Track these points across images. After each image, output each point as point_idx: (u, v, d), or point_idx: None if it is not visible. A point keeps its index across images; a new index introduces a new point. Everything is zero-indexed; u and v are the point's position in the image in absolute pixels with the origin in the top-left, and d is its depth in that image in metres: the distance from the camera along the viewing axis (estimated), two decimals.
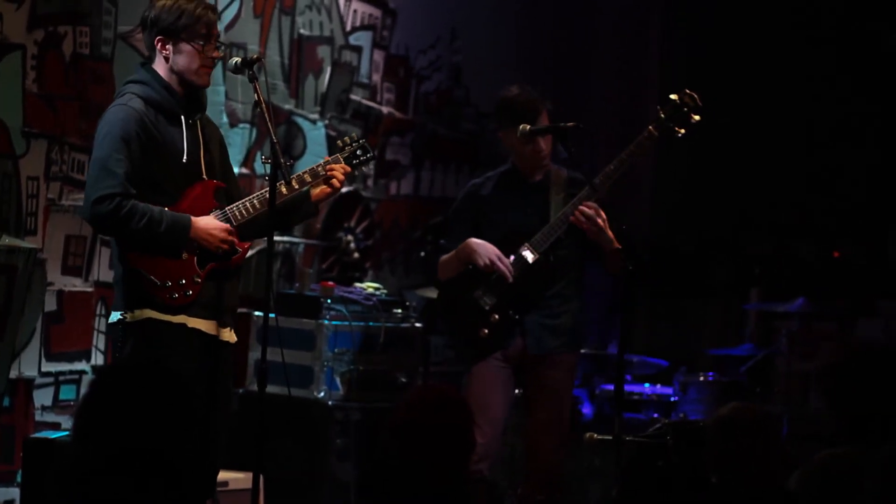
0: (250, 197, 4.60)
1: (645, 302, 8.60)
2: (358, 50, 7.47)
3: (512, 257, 5.41)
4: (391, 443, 3.66)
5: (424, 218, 7.82)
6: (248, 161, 6.67)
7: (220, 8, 6.40)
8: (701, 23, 9.02)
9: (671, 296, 8.86)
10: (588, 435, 5.45)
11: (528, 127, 5.36)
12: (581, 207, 5.33)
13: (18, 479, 5.30)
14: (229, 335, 4.60)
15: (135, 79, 4.55)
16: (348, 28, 7.40)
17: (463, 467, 3.69)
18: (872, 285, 8.29)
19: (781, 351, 7.44)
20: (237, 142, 6.54)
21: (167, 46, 4.51)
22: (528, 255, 5.40)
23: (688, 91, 5.38)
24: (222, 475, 5.01)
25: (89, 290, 5.80)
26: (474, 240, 5.44)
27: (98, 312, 5.83)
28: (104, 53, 5.81)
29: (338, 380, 6.13)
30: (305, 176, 4.71)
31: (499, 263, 5.37)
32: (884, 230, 8.62)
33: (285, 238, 6.87)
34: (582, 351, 7.14)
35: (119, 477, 2.96)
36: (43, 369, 5.61)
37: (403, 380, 6.28)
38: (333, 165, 4.75)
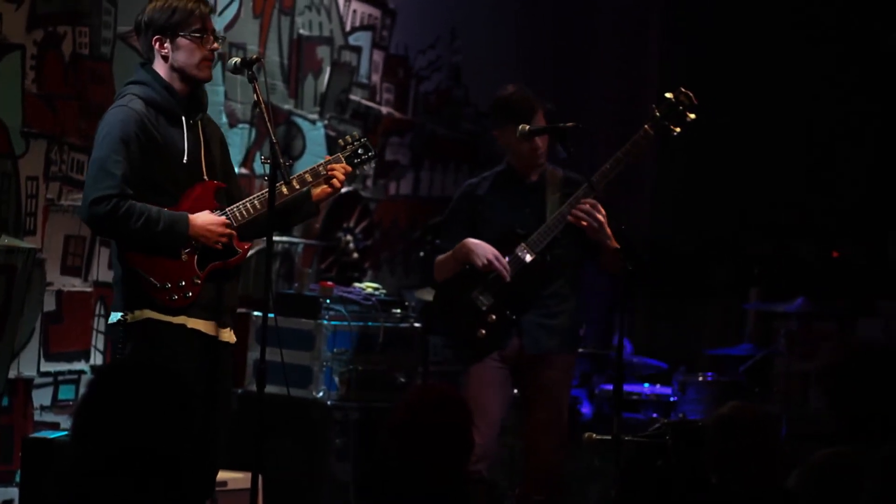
0: (251, 198, 4.59)
1: (645, 302, 8.60)
2: (357, 50, 7.47)
3: (508, 257, 5.40)
4: (390, 443, 3.66)
5: (423, 218, 7.82)
6: (247, 161, 6.67)
7: (219, 8, 6.40)
8: (701, 23, 9.02)
9: (671, 296, 8.86)
10: (587, 435, 5.44)
11: (528, 127, 5.35)
12: (579, 205, 5.33)
13: (17, 479, 5.30)
14: (229, 335, 4.60)
15: (135, 79, 4.55)
16: (348, 28, 7.40)
17: (462, 467, 3.69)
18: (872, 285, 8.29)
19: (781, 351, 7.44)
20: (236, 142, 6.54)
21: (165, 45, 4.51)
22: (525, 255, 5.40)
23: (683, 89, 5.38)
24: (221, 475, 5.01)
25: (88, 290, 5.80)
26: (471, 240, 5.44)
27: (97, 312, 5.83)
28: (103, 53, 5.80)
29: (337, 380, 6.13)
30: (306, 176, 4.70)
31: (496, 263, 5.37)
32: (883, 230, 8.62)
33: (284, 238, 6.86)
34: (581, 350, 7.17)
35: (118, 477, 2.96)
36: (42, 369, 5.61)
37: (402, 380, 6.28)
38: (334, 165, 4.75)
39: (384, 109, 7.68)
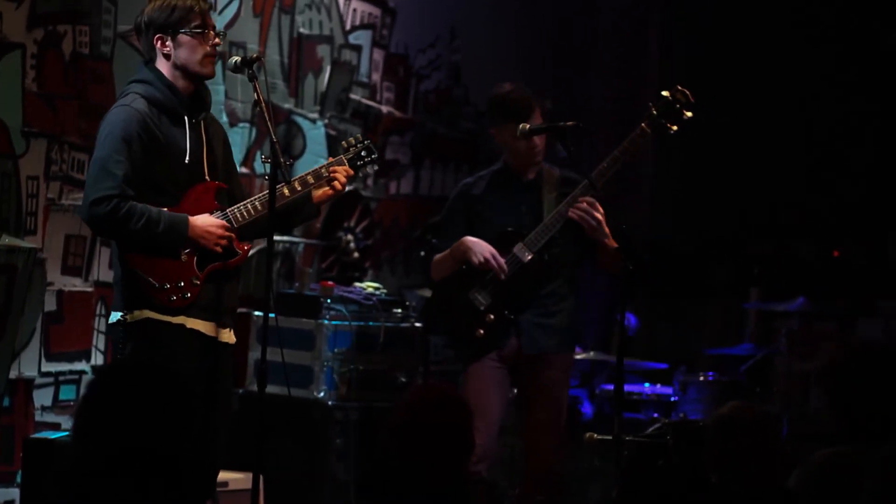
0: (252, 199, 4.59)
1: (645, 302, 8.59)
2: (357, 49, 7.47)
3: (506, 257, 5.39)
4: (391, 443, 3.66)
5: (424, 217, 7.81)
6: (247, 160, 6.67)
7: (219, 7, 6.40)
8: (700, 22, 9.02)
9: (671, 296, 8.86)
10: (588, 435, 5.44)
11: (528, 126, 5.34)
12: (577, 203, 5.32)
13: (18, 479, 5.29)
14: (229, 336, 4.60)
15: (138, 78, 4.55)
16: (348, 27, 7.40)
17: (462, 467, 3.69)
18: (872, 285, 8.29)
19: (781, 351, 7.44)
20: (237, 141, 6.54)
21: (167, 43, 4.50)
22: (523, 255, 5.39)
23: (679, 87, 5.37)
24: (222, 475, 5.00)
25: (89, 289, 5.80)
26: (469, 238, 5.43)
27: (98, 312, 5.83)
28: (104, 53, 5.80)
29: (337, 379, 6.12)
30: (308, 177, 4.70)
31: (493, 262, 5.35)
32: (884, 230, 8.62)
33: (285, 238, 6.86)
34: (581, 356, 7.17)
35: (119, 477, 2.96)
36: (43, 369, 5.61)
37: (403, 379, 6.28)
38: (336, 167, 4.74)
39: (384, 108, 7.68)
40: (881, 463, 3.46)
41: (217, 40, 4.55)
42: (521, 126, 5.33)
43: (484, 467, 5.34)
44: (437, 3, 8.09)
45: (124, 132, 4.39)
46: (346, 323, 6.19)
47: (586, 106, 8.70)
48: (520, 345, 5.44)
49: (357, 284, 6.58)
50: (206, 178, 4.56)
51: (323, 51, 7.21)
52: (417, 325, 6.38)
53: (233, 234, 4.52)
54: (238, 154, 6.51)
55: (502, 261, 5.37)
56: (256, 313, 6.19)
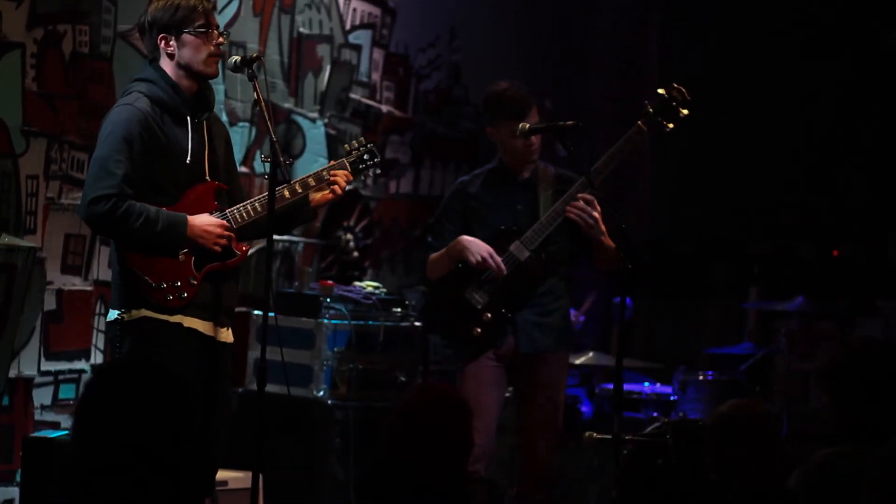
0: (251, 200, 4.59)
1: (645, 302, 8.60)
2: (357, 48, 7.47)
3: (502, 255, 5.38)
4: (390, 442, 3.66)
5: (424, 217, 7.82)
6: (247, 160, 6.67)
7: (220, 6, 6.40)
8: (700, 22, 9.02)
9: (671, 295, 8.86)
10: (588, 434, 5.45)
11: (528, 125, 5.35)
12: (574, 201, 5.31)
13: (18, 478, 5.29)
14: (227, 335, 4.60)
15: (142, 77, 4.54)
16: (348, 27, 7.40)
17: (462, 467, 3.69)
18: (872, 285, 8.29)
19: (781, 350, 7.43)
20: (237, 140, 6.53)
21: (171, 43, 4.50)
22: (520, 253, 5.39)
23: (675, 85, 5.38)
24: (222, 474, 5.01)
25: (89, 288, 5.80)
26: (466, 237, 5.42)
27: (97, 311, 5.82)
28: (104, 52, 5.80)
29: (337, 379, 6.12)
30: (309, 179, 4.70)
31: (490, 261, 5.35)
32: (883, 230, 8.62)
33: (285, 237, 6.86)
34: (581, 361, 7.17)
35: (118, 476, 2.96)
36: (42, 368, 5.61)
37: (403, 379, 6.28)
38: (336, 171, 4.74)
39: (384, 108, 7.68)
40: (881, 463, 3.46)
41: (221, 39, 4.54)
42: (521, 125, 5.33)
43: (482, 467, 5.34)
44: (437, 2, 8.09)
45: (126, 132, 4.39)
46: (346, 322, 6.19)
47: (586, 106, 8.70)
48: (517, 343, 5.43)
49: (357, 284, 6.57)
50: (207, 178, 4.56)
51: (323, 50, 7.21)
52: (417, 324, 6.38)
53: (232, 234, 4.52)
54: (238, 153, 6.51)
55: (500, 260, 5.36)
56: (256, 312, 6.19)
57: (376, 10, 7.63)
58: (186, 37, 4.49)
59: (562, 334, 5.51)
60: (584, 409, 7.12)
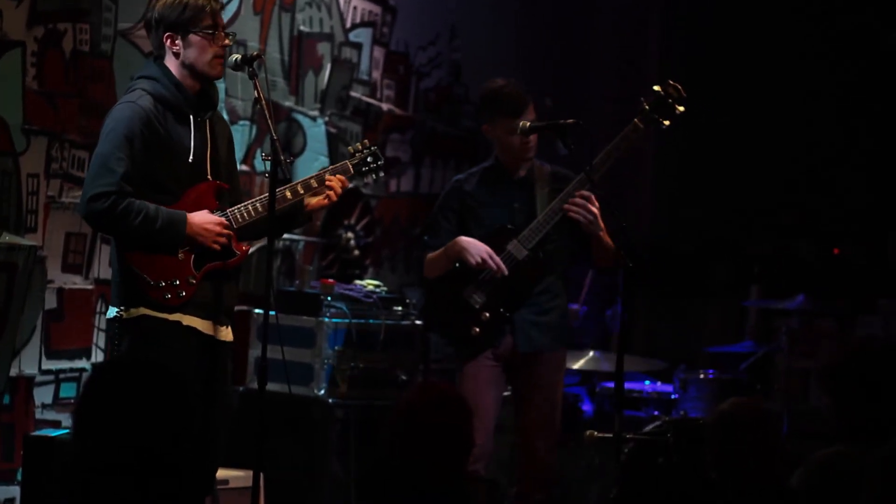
0: (252, 200, 4.59)
1: (645, 301, 8.60)
2: (358, 47, 7.47)
3: (500, 254, 5.37)
4: (391, 441, 3.66)
5: (424, 215, 7.80)
6: (248, 158, 6.67)
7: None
8: (700, 22, 9.02)
9: (671, 295, 8.86)
10: (589, 433, 5.46)
11: (529, 123, 5.34)
12: (573, 198, 5.30)
13: (19, 477, 5.29)
14: (227, 333, 4.60)
15: (145, 74, 4.54)
16: (348, 25, 7.40)
17: (463, 466, 3.69)
18: (872, 283, 8.29)
19: (781, 348, 7.43)
20: (237, 139, 6.50)
21: (176, 42, 4.49)
22: (518, 252, 5.38)
23: (671, 82, 5.37)
24: (223, 473, 5.01)
25: (89, 287, 5.79)
26: (464, 238, 5.40)
27: (98, 310, 5.82)
28: (104, 51, 5.80)
29: (338, 377, 6.12)
30: (311, 181, 4.70)
31: (490, 261, 5.34)
32: (884, 229, 8.62)
33: (285, 235, 6.86)
34: (580, 365, 7.16)
35: (118, 474, 2.96)
36: (43, 367, 5.61)
37: (403, 377, 6.28)
38: (332, 178, 4.73)
39: (385, 106, 7.68)
40: (881, 462, 3.46)
41: (227, 42, 4.53)
42: (521, 123, 5.33)
43: (481, 466, 5.33)
44: (438, 1, 8.09)
45: (127, 129, 4.39)
46: (347, 321, 6.19)
47: (586, 106, 8.70)
48: (514, 343, 5.43)
49: (357, 282, 6.58)
50: (209, 177, 4.56)
51: (323, 48, 7.21)
52: (418, 322, 6.38)
53: (231, 233, 4.52)
54: (239, 152, 6.52)
55: (499, 260, 5.35)
56: (257, 311, 6.19)
57: (377, 9, 7.62)
58: (193, 37, 4.49)
59: (559, 333, 5.50)
60: (585, 407, 7.12)
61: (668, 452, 5.62)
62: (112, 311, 4.48)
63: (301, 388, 6.02)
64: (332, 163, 6.79)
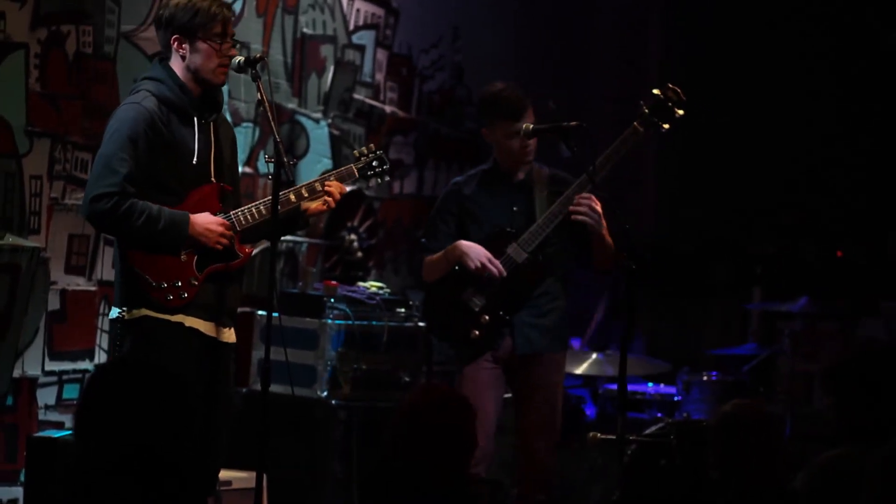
0: (256, 203, 4.59)
1: (647, 302, 8.60)
2: (361, 49, 7.47)
3: (500, 258, 5.37)
4: (394, 442, 3.66)
5: (427, 217, 7.82)
6: (251, 160, 6.67)
7: None
8: (701, 22, 9.02)
9: (672, 296, 8.86)
10: (591, 434, 5.45)
11: (531, 126, 5.34)
12: (578, 199, 5.31)
13: (22, 478, 5.30)
14: (229, 335, 4.60)
15: (150, 75, 4.54)
16: (351, 27, 7.40)
17: (465, 467, 3.69)
18: (875, 285, 8.29)
19: (784, 351, 7.44)
20: (240, 141, 6.51)
21: (183, 45, 4.49)
22: (518, 255, 5.37)
23: (671, 86, 5.37)
24: (226, 474, 5.01)
25: (92, 289, 5.80)
26: (464, 242, 5.39)
27: (101, 311, 5.83)
28: (107, 52, 5.80)
29: (341, 379, 6.13)
30: (316, 184, 4.70)
31: (490, 266, 5.33)
32: (884, 229, 8.63)
33: (288, 237, 6.87)
34: (582, 370, 7.16)
35: (120, 475, 2.97)
36: (46, 368, 5.61)
37: (406, 379, 6.28)
38: (331, 183, 4.73)
39: (388, 108, 7.68)
40: (881, 463, 3.47)
41: (234, 52, 4.53)
42: (525, 126, 5.33)
43: (482, 469, 5.33)
44: (440, 3, 8.09)
45: (131, 130, 4.39)
46: (350, 322, 6.19)
47: (586, 106, 8.70)
48: (514, 345, 5.43)
49: (360, 284, 6.58)
50: (213, 179, 4.56)
51: (326, 51, 7.21)
52: (421, 324, 6.38)
53: (233, 234, 4.53)
54: (242, 154, 6.52)
55: (498, 264, 5.34)
56: (260, 313, 6.19)
57: (380, 11, 7.63)
58: (200, 44, 4.48)
59: (558, 335, 5.49)
60: (587, 409, 7.13)
61: (670, 454, 5.63)
62: (114, 312, 4.48)
63: (304, 390, 6.03)
64: (335, 165, 6.81)
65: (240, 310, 4.74)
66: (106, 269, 5.78)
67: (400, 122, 7.79)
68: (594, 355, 7.33)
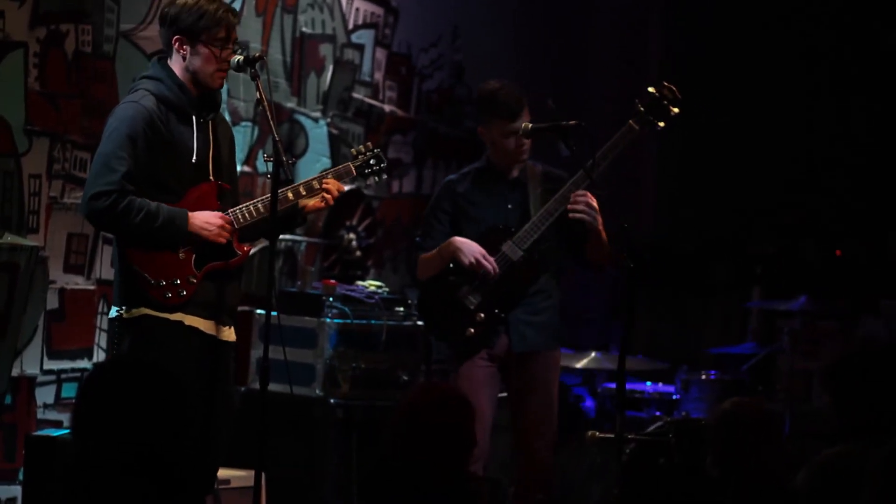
0: (254, 201, 4.59)
1: (646, 301, 8.60)
2: (360, 48, 7.47)
3: (495, 255, 5.37)
4: (393, 441, 3.66)
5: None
6: (250, 159, 6.67)
7: None
8: (701, 23, 9.02)
9: (672, 295, 8.86)
10: (590, 433, 5.45)
11: (531, 125, 5.34)
12: (574, 196, 5.30)
13: (20, 477, 5.30)
14: (229, 333, 4.60)
15: (149, 74, 4.55)
16: (350, 26, 7.40)
17: (465, 466, 3.70)
18: (875, 284, 8.29)
19: (784, 349, 7.44)
20: (239, 140, 6.52)
21: (185, 47, 4.49)
22: (513, 253, 5.37)
23: (666, 84, 5.37)
24: (224, 473, 5.01)
25: (91, 288, 5.80)
26: (458, 238, 5.39)
27: (100, 310, 5.83)
28: (106, 51, 5.81)
29: (339, 378, 6.13)
30: (314, 182, 4.70)
31: (484, 262, 5.33)
32: (884, 229, 8.63)
33: (287, 236, 6.87)
34: (582, 365, 7.16)
35: (118, 474, 2.97)
36: (45, 367, 5.62)
37: (405, 378, 6.29)
38: (329, 181, 4.73)
39: (387, 108, 7.68)
40: (882, 461, 3.47)
41: (234, 57, 4.53)
42: (524, 125, 5.33)
43: (480, 467, 5.32)
44: (440, 2, 8.09)
45: (130, 129, 4.39)
46: (349, 321, 6.19)
47: (586, 106, 8.70)
48: (509, 342, 5.42)
49: (359, 283, 6.58)
50: (211, 177, 4.56)
51: (325, 50, 7.21)
52: (419, 323, 6.38)
53: (234, 229, 4.53)
54: (240, 153, 6.53)
55: (493, 261, 5.34)
56: (259, 311, 6.20)
57: (379, 10, 7.63)
58: (202, 47, 4.48)
59: (553, 332, 5.49)
60: (586, 408, 7.13)
61: (669, 453, 5.63)
62: (114, 311, 4.49)
63: (303, 389, 6.03)
64: (334, 164, 6.81)
65: (239, 309, 4.75)
66: (105, 268, 5.79)
67: (399, 122, 7.80)
68: (593, 353, 7.33)
